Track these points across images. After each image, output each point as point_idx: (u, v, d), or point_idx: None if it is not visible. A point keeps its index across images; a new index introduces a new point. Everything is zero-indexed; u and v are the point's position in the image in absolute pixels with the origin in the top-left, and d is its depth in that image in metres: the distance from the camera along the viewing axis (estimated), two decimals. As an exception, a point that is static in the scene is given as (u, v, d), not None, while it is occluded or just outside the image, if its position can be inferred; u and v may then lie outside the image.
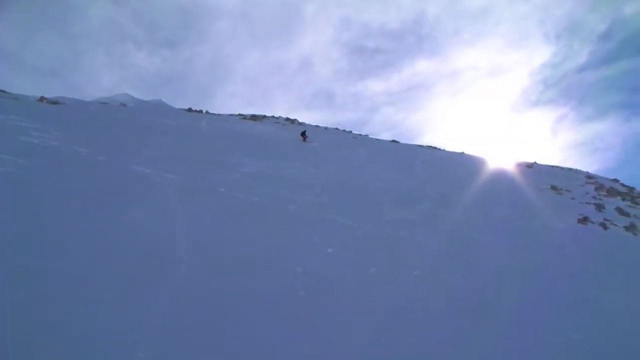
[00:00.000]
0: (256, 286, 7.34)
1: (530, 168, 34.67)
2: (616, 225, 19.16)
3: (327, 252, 9.57)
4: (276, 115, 49.97)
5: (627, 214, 21.71)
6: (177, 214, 10.35)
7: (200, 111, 48.23)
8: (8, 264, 6.27)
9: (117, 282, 6.49)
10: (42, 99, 33.73)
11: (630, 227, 18.88)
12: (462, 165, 31.02)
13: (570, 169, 37.25)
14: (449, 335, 6.83)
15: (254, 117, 47.01)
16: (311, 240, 10.15)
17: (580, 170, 36.74)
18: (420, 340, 6.52)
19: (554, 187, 26.41)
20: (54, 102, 33.22)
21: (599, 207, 22.51)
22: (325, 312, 6.88)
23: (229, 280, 7.35)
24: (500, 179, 27.38)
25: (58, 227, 8.05)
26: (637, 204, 25.07)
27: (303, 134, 32.65)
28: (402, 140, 43.22)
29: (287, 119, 47.64)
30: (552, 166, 38.26)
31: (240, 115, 48.58)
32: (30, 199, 9.31)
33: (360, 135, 44.01)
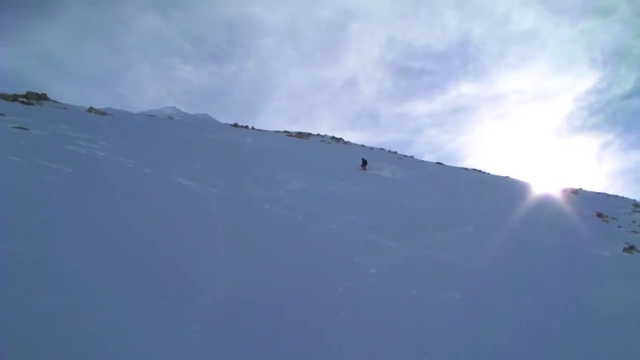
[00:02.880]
0: (296, 304, 7.18)
1: (575, 194, 34.32)
2: (663, 255, 18.69)
3: (369, 273, 9.35)
4: (321, 133, 50.53)
5: (675, 245, 21.21)
6: (219, 228, 10.33)
7: (246, 127, 49.20)
8: (51, 271, 6.22)
9: (156, 293, 6.44)
10: (90, 109, 35.05)
11: (678, 258, 18.44)
12: (507, 189, 31.05)
13: (616, 197, 36.67)
14: (490, 355, 6.74)
15: (299, 135, 47.69)
16: (352, 260, 9.99)
17: (626, 198, 36.15)
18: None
19: (599, 215, 26.15)
20: (102, 113, 34.44)
21: (646, 237, 22.13)
22: (367, 332, 6.70)
23: (269, 297, 7.23)
24: (545, 204, 27.19)
25: (98, 235, 8.06)
26: (685, 234, 24.49)
27: (364, 163, 31.01)
28: (446, 163, 43.25)
29: (333, 138, 48.24)
30: (598, 193, 37.69)
31: (285, 132, 49.33)
32: (75, 208, 9.29)
33: (405, 156, 44.36)
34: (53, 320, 5.06)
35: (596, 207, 28.63)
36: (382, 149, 47.09)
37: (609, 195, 36.76)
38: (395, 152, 45.61)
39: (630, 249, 18.54)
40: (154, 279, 6.80)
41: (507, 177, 40.41)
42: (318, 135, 49.79)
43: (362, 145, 47.17)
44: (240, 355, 5.39)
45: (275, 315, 6.58)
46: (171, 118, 49.64)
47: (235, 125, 49.36)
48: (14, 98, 30.34)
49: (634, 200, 35.15)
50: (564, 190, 35.05)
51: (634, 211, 29.40)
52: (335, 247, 10.89)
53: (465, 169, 42.54)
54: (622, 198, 36.01)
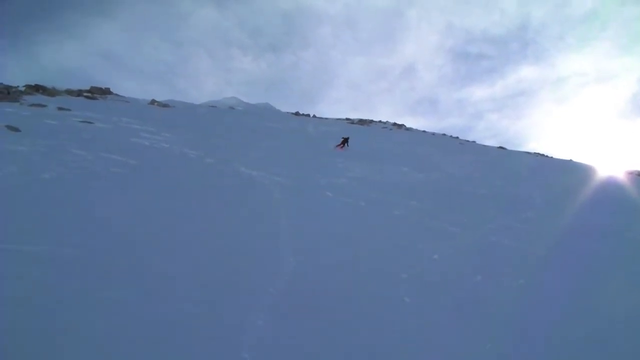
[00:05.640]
0: (361, 291, 7.35)
1: (642, 177, 33.44)
2: None
3: (432, 259, 9.47)
4: (383, 120, 51.00)
5: None
6: (283, 217, 10.55)
7: (308, 115, 50.11)
8: (121, 264, 6.50)
9: (221, 282, 6.67)
10: (153, 102, 36.75)
11: None
12: (570, 173, 30.71)
13: (687, 178, 35.34)
14: (555, 343, 6.60)
15: (361, 122, 48.38)
16: (416, 247, 10.12)
17: (698, 180, 34.80)
18: (528, 347, 6.40)
19: (667, 197, 25.44)
20: (164, 105, 36.05)
21: None
22: (431, 319, 6.83)
23: (333, 285, 7.42)
24: (610, 188, 26.64)
25: (164, 227, 8.41)
26: None
27: (343, 141, 28.51)
28: (508, 147, 42.98)
29: (395, 124, 48.69)
30: (667, 175, 36.53)
31: (347, 119, 50.01)
32: (139, 199, 9.80)
33: (467, 141, 44.56)
34: (125, 313, 5.37)
35: (665, 189, 27.75)
36: (444, 134, 47.22)
37: (680, 177, 35.51)
38: (457, 138, 45.62)
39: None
40: (220, 269, 7.15)
41: (570, 160, 39.79)
42: (380, 122, 50.38)
43: (424, 131, 47.40)
44: (307, 343, 5.61)
45: (340, 302, 6.87)
46: (233, 108, 51.32)
47: (297, 113, 50.58)
48: (79, 93, 32.63)
49: None
50: (630, 173, 34.12)
51: None
52: (398, 234, 11.10)
53: (528, 153, 42.15)
54: (695, 180, 34.74)
